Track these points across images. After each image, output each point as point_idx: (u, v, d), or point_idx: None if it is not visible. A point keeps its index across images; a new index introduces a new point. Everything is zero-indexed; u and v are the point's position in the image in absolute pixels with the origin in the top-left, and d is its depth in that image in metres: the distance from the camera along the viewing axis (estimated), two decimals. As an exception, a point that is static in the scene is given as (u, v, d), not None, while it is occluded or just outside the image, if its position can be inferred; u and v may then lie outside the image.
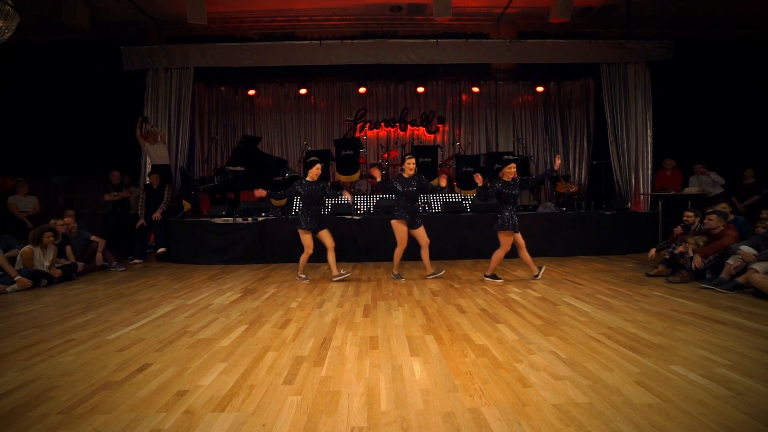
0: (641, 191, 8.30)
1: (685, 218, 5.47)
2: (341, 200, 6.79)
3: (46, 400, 2.13)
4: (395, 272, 5.26)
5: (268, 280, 5.37)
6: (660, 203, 7.65)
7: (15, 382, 2.35)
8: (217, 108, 10.26)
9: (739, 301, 3.90)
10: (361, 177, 8.69)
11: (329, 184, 5.32)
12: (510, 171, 4.85)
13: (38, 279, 5.11)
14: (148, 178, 7.42)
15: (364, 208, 7.47)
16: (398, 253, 5.13)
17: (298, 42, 8.41)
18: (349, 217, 6.81)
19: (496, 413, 1.93)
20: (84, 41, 8.59)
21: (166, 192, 7.22)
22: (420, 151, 8.42)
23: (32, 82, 8.65)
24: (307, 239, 5.02)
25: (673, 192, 7.56)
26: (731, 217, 5.15)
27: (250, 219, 6.82)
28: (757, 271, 4.02)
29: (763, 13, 8.52)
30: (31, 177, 7.49)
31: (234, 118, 10.32)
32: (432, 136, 10.27)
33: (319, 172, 5.08)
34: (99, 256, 6.30)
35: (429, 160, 8.29)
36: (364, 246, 6.76)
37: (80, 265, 5.86)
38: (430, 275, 5.23)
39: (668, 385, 2.17)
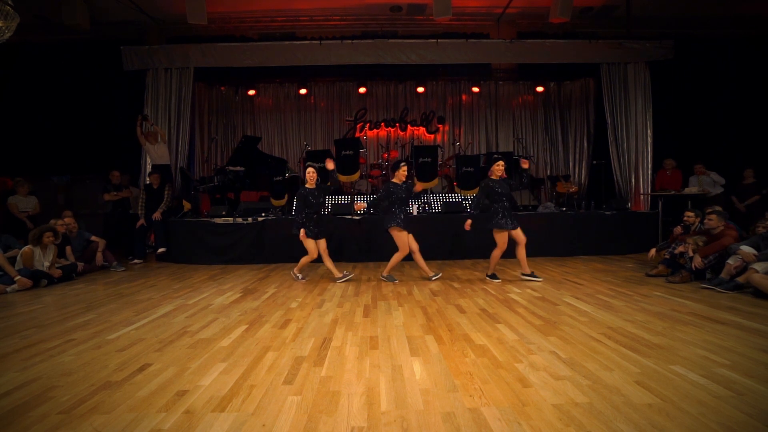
0: (641, 191, 8.30)
1: (685, 218, 5.47)
2: (353, 214, 6.81)
3: (46, 400, 2.13)
4: (385, 275, 5.19)
5: (268, 280, 5.37)
6: (660, 203, 7.65)
7: (15, 382, 2.35)
8: (217, 108, 10.26)
9: (739, 301, 3.90)
10: (361, 177, 8.69)
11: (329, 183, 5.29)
12: (498, 168, 4.91)
13: (38, 279, 5.11)
14: (148, 178, 7.42)
15: (363, 208, 7.46)
16: (398, 257, 5.08)
17: (298, 42, 8.41)
18: (349, 217, 6.81)
19: (496, 413, 1.93)
20: (84, 41, 8.60)
21: (166, 192, 7.23)
22: (420, 151, 8.41)
23: (32, 82, 8.64)
24: (310, 244, 5.08)
25: (673, 192, 7.56)
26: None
27: (250, 219, 6.82)
28: (757, 271, 4.02)
29: (763, 13, 8.52)
30: (31, 177, 7.49)
31: (234, 118, 10.32)
32: (432, 136, 10.27)
33: (314, 176, 5.08)
34: (99, 256, 6.30)
35: (429, 160, 8.28)
36: (364, 246, 6.76)
37: (80, 265, 5.86)
38: (433, 277, 5.18)
39: (668, 385, 2.17)
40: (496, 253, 4.95)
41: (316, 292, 4.58)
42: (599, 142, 9.28)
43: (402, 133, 10.30)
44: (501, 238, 4.89)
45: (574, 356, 2.59)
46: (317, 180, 5.18)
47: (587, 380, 2.24)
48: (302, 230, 5.01)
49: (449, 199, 7.73)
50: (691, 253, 4.81)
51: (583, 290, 4.45)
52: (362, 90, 9.85)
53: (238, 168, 8.23)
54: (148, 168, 7.80)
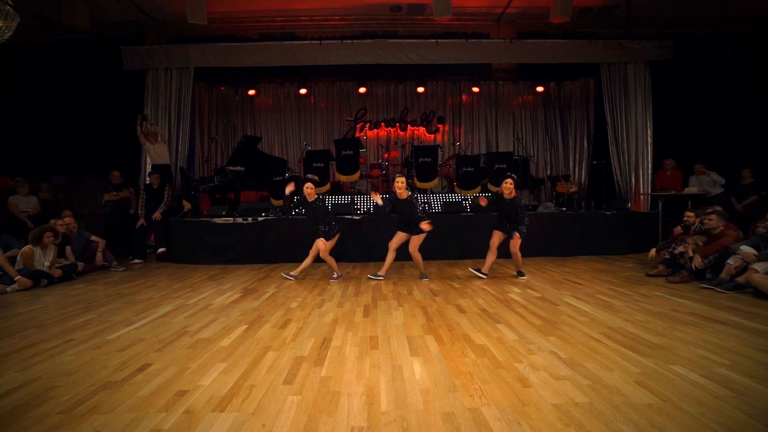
0: (641, 191, 8.30)
1: (685, 218, 5.48)
2: (353, 214, 6.88)
3: (46, 400, 2.13)
4: (382, 273, 5.32)
5: (268, 280, 5.37)
6: (660, 203, 7.65)
7: (15, 382, 2.35)
8: (217, 108, 10.27)
9: (739, 301, 3.90)
10: (361, 177, 8.69)
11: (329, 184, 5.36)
12: (506, 187, 5.04)
13: (38, 279, 5.11)
14: (148, 178, 7.42)
15: (364, 208, 7.47)
16: (390, 259, 5.28)
17: (298, 42, 8.41)
18: (349, 217, 6.81)
19: (496, 413, 1.93)
20: (84, 41, 8.59)
21: (166, 192, 7.23)
22: (420, 151, 8.41)
23: (32, 82, 8.64)
24: (327, 245, 5.21)
25: (673, 192, 7.56)
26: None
27: (250, 219, 6.82)
28: (757, 271, 4.02)
29: (763, 13, 8.52)
30: (31, 177, 7.49)
31: (234, 118, 10.32)
32: (432, 136, 10.28)
33: (311, 191, 5.19)
34: (99, 256, 6.30)
35: (429, 160, 8.28)
36: (364, 246, 6.76)
37: (80, 265, 5.86)
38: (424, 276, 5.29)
39: (668, 385, 2.17)
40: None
41: (316, 292, 4.58)
42: (599, 142, 9.28)
43: (402, 133, 10.30)
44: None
45: (574, 356, 2.59)
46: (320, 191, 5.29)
47: (587, 380, 2.24)
48: (332, 238, 5.19)
49: (449, 199, 7.73)
50: (691, 253, 4.81)
51: (583, 290, 4.45)
52: (362, 90, 9.85)
53: (238, 168, 8.23)
54: (148, 168, 7.80)
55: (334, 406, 2.02)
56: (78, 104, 8.67)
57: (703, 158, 7.85)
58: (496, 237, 5.23)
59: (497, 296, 4.25)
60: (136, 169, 8.15)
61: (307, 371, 2.44)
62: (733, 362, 2.45)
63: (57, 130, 8.70)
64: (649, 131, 8.33)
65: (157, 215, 7.01)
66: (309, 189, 5.17)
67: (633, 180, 8.36)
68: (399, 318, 3.53)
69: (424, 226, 4.94)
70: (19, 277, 4.90)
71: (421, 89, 9.88)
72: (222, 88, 10.17)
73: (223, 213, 7.00)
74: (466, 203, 7.38)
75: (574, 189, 8.67)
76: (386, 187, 9.10)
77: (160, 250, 7.07)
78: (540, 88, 10.03)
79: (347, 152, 8.27)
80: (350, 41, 8.32)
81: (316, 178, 5.42)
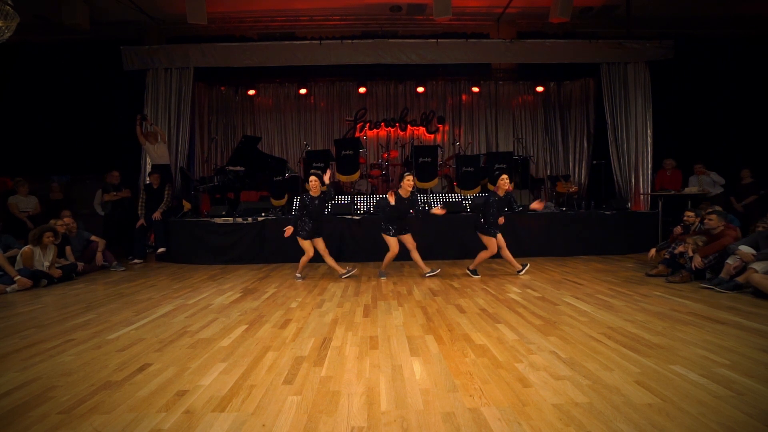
0: (641, 191, 8.30)
1: (685, 218, 5.48)
2: (354, 214, 6.92)
3: (46, 400, 2.13)
4: (382, 269, 5.49)
5: (268, 280, 5.37)
6: (660, 203, 7.65)
7: (15, 382, 2.35)
8: (217, 108, 10.26)
9: (738, 301, 3.90)
10: (361, 177, 8.69)
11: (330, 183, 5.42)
12: (503, 183, 5.20)
13: (38, 279, 5.11)
14: (148, 178, 7.42)
15: (364, 208, 7.47)
16: (390, 256, 5.36)
17: (298, 42, 8.41)
18: (349, 217, 6.81)
19: (496, 413, 1.93)
20: (84, 41, 8.59)
21: (166, 192, 7.23)
22: (420, 151, 8.41)
23: (32, 82, 8.64)
24: (305, 244, 5.27)
25: (673, 192, 7.56)
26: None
27: (250, 219, 6.82)
28: (756, 271, 4.02)
29: (763, 13, 8.52)
30: (31, 177, 7.49)
31: (234, 118, 10.32)
32: (432, 136, 10.27)
33: (317, 184, 5.23)
34: (99, 256, 6.30)
35: (429, 160, 8.28)
36: (364, 246, 6.75)
37: (80, 265, 5.86)
38: (428, 273, 5.39)
39: (668, 385, 2.17)
40: (484, 255, 5.34)
41: (316, 292, 4.58)
42: (599, 142, 9.28)
43: (402, 133, 10.29)
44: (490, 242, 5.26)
45: (574, 356, 2.59)
46: (323, 186, 5.32)
47: (587, 380, 2.24)
48: (288, 227, 5.18)
49: (449, 199, 7.73)
50: (690, 253, 4.81)
51: (583, 290, 4.45)
52: (362, 90, 9.85)
53: (238, 168, 8.22)
54: (148, 168, 7.80)
55: (334, 406, 2.02)
56: (78, 104, 8.67)
57: (703, 158, 7.85)
58: (501, 238, 5.33)
59: (497, 296, 4.25)
60: (136, 169, 8.15)
61: (307, 371, 2.44)
62: (733, 362, 2.45)
63: (57, 130, 8.70)
64: (649, 131, 8.33)
65: (157, 215, 7.01)
66: (314, 182, 5.22)
67: (633, 180, 8.36)
68: (399, 318, 3.53)
69: (437, 210, 5.18)
70: (19, 277, 4.90)
71: (421, 89, 9.88)
72: (222, 88, 10.17)
73: (223, 213, 7.00)
74: (466, 203, 7.37)
75: (574, 189, 8.67)
76: (386, 187, 9.10)
77: (160, 250, 7.07)
78: (540, 88, 10.03)
79: (347, 152, 8.27)
80: (350, 41, 8.32)
81: (319, 172, 5.49)
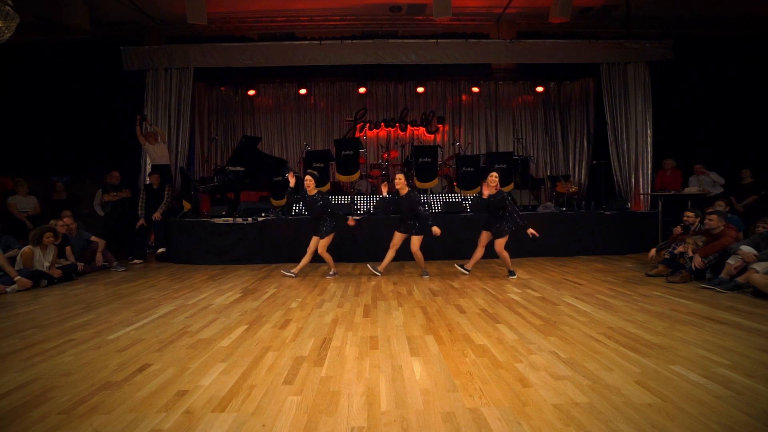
0: (641, 191, 8.30)
1: (685, 218, 5.47)
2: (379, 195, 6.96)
3: (46, 400, 2.13)
4: (380, 269, 5.61)
5: (268, 280, 5.37)
6: (660, 203, 7.65)
7: (15, 382, 2.35)
8: (217, 108, 10.26)
9: (739, 301, 3.90)
10: (361, 177, 8.69)
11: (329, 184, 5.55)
12: (491, 180, 5.18)
13: (38, 279, 5.11)
14: (148, 179, 7.42)
15: (364, 208, 7.47)
16: (390, 255, 5.52)
17: (298, 42, 8.41)
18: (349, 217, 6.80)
19: (496, 413, 1.93)
20: (84, 41, 8.59)
21: (166, 192, 7.23)
22: (420, 151, 8.41)
23: (32, 82, 8.63)
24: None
25: (673, 192, 7.56)
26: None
27: (250, 219, 6.82)
28: (757, 271, 4.02)
29: (763, 13, 8.51)
30: (31, 177, 7.49)
31: (234, 118, 10.32)
32: (432, 136, 10.27)
33: (310, 184, 5.38)
34: (99, 256, 6.30)
35: (429, 160, 8.28)
36: (364, 246, 6.75)
37: (80, 265, 5.86)
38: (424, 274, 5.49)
39: (668, 385, 2.17)
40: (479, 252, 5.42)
41: (316, 292, 4.58)
42: (599, 142, 9.28)
43: (402, 133, 10.29)
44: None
45: (574, 356, 2.59)
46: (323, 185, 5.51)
47: (587, 380, 2.24)
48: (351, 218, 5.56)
49: (449, 199, 7.73)
50: (691, 253, 4.81)
51: (583, 290, 4.45)
52: (362, 90, 9.84)
53: (238, 168, 8.23)
54: (148, 168, 7.80)
55: (334, 406, 2.02)
56: (78, 104, 8.66)
57: (702, 158, 7.85)
58: (485, 236, 5.40)
59: (497, 296, 4.25)
60: (136, 169, 8.15)
61: (307, 371, 2.44)
62: (733, 362, 2.45)
63: (57, 130, 8.69)
64: (649, 131, 8.33)
65: (157, 215, 7.01)
66: (309, 182, 5.35)
67: (633, 180, 8.36)
68: (399, 318, 3.53)
69: (435, 230, 5.14)
70: (19, 277, 4.90)
71: (420, 89, 9.88)
72: (222, 89, 10.17)
73: (223, 213, 7.00)
74: (466, 203, 7.37)
75: (574, 189, 8.67)
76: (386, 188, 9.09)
77: (160, 250, 7.07)
78: (540, 88, 10.03)
79: (347, 152, 8.27)
80: (350, 41, 8.32)
81: (316, 173, 5.59)
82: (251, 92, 10.01)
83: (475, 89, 9.89)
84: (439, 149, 8.93)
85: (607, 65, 8.47)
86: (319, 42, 8.28)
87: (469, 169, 8.27)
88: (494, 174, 5.16)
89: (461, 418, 1.89)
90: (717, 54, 8.87)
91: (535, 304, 3.88)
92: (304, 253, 5.42)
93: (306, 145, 9.34)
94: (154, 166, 7.59)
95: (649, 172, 8.30)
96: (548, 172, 10.25)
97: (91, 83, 8.61)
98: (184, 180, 8.22)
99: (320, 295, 4.47)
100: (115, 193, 7.35)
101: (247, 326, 3.35)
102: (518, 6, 8.54)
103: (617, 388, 2.15)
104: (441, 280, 5.19)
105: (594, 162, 9.18)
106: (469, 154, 9.66)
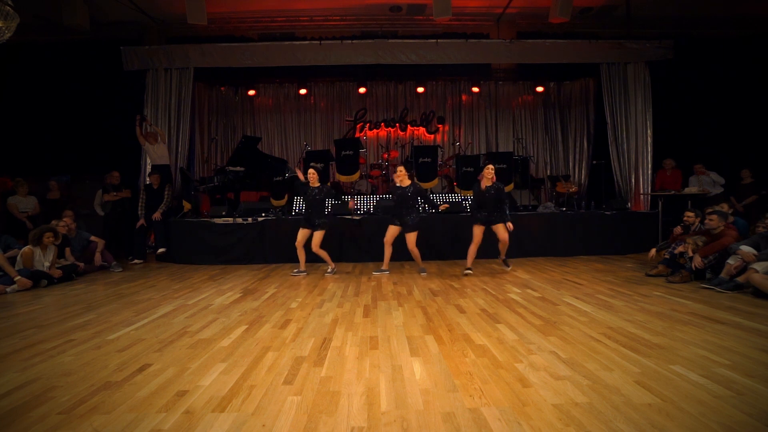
0: (641, 191, 8.30)
1: (685, 218, 5.47)
2: (353, 214, 7.02)
3: (46, 400, 2.13)
4: (384, 267, 5.67)
5: (268, 280, 5.37)
6: (660, 203, 7.65)
7: (15, 382, 2.35)
8: (217, 108, 10.26)
9: (739, 301, 3.90)
10: (361, 177, 8.69)
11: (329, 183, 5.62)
12: (488, 172, 5.29)
13: (38, 279, 5.11)
14: (148, 179, 7.42)
15: (364, 208, 7.47)
16: (388, 253, 5.63)
17: (298, 42, 8.41)
18: (349, 217, 6.81)
19: (496, 413, 1.93)
20: (84, 41, 8.58)
21: (166, 192, 7.23)
22: (420, 151, 8.41)
23: (32, 82, 8.63)
24: (300, 233, 5.61)
25: (673, 192, 7.56)
26: (731, 219, 5.15)
27: (250, 219, 6.82)
28: (756, 271, 4.02)
29: (763, 13, 8.51)
30: (31, 177, 7.49)
31: (234, 118, 10.32)
32: (432, 136, 10.27)
33: (315, 176, 5.53)
34: (98, 256, 6.30)
35: (429, 160, 8.28)
36: (364, 246, 6.76)
37: (80, 265, 5.86)
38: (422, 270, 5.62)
39: (668, 385, 2.17)
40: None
41: (316, 292, 4.58)
42: (599, 142, 9.27)
43: (402, 133, 10.29)
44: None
45: (574, 356, 2.59)
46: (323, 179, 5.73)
47: (587, 380, 2.24)
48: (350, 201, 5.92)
49: (449, 199, 7.73)
50: (691, 253, 4.81)
51: (583, 290, 4.45)
52: (362, 90, 9.84)
53: (238, 168, 8.23)
54: (148, 168, 7.80)
55: (334, 406, 2.02)
56: (78, 104, 8.66)
57: (702, 158, 7.84)
58: (479, 231, 5.45)
59: (497, 296, 4.25)
60: (136, 169, 8.15)
61: (307, 371, 2.44)
62: (733, 362, 2.45)
63: (57, 130, 8.69)
64: (649, 131, 8.33)
65: (157, 215, 7.01)
66: (312, 175, 5.51)
67: (633, 180, 8.36)
68: (399, 318, 3.53)
69: (444, 206, 5.36)
70: (19, 277, 4.90)
71: (420, 89, 9.87)
72: (222, 89, 10.17)
73: (223, 213, 7.00)
74: (466, 203, 7.37)
75: (574, 189, 8.67)
76: (386, 188, 9.11)
77: (160, 250, 7.07)
78: (540, 88, 10.02)
79: (347, 152, 8.27)
80: (350, 41, 8.32)
81: (319, 166, 5.72)
82: (251, 92, 10.00)
83: (475, 89, 9.88)
84: (439, 149, 8.94)
85: (607, 65, 8.47)
86: (319, 42, 8.28)
87: (469, 169, 8.27)
88: (490, 166, 5.31)
89: (461, 418, 1.89)
90: (717, 54, 8.87)
91: (535, 304, 3.88)
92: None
93: (306, 145, 9.34)
94: (154, 166, 7.59)
95: (649, 172, 8.30)
96: (548, 172, 10.25)
97: (91, 83, 8.62)
98: (184, 180, 8.22)
99: (320, 295, 4.47)
100: (115, 193, 7.35)
101: (247, 326, 3.35)
102: (518, 6, 8.54)
103: (617, 388, 2.15)
104: (441, 280, 5.19)
105: (594, 162, 9.17)
106: (469, 154, 9.66)
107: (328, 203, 7.29)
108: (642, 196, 8.29)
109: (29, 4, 7.03)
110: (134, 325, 3.42)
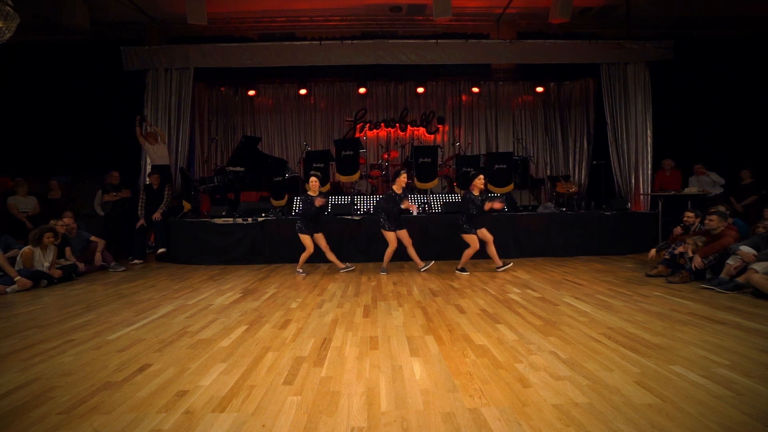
0: (641, 191, 8.31)
1: (685, 218, 5.47)
2: (354, 214, 7.03)
3: (46, 400, 2.13)
4: (384, 266, 5.75)
5: (268, 280, 5.37)
6: (660, 203, 7.65)
7: (15, 382, 2.35)
8: (217, 108, 10.27)
9: (738, 301, 3.90)
10: (361, 177, 8.69)
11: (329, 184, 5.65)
12: (479, 182, 5.43)
13: (38, 279, 5.11)
14: (148, 179, 7.42)
15: (364, 208, 7.46)
16: (389, 252, 5.70)
17: (298, 42, 8.41)
18: (349, 217, 6.81)
19: (496, 413, 1.93)
20: (84, 41, 8.59)
21: (166, 192, 7.23)
22: (420, 151, 8.41)
23: (32, 82, 8.64)
24: (305, 240, 5.60)
25: (673, 192, 7.56)
26: (730, 220, 5.15)
27: (250, 219, 6.82)
28: (756, 271, 4.02)
29: (763, 13, 8.51)
30: (31, 177, 7.49)
31: (234, 118, 10.33)
32: (432, 136, 10.28)
33: (316, 185, 5.59)
34: (98, 255, 6.30)
35: (429, 160, 8.28)
36: (364, 246, 6.76)
37: (81, 265, 5.86)
38: (423, 268, 5.75)
39: (668, 385, 2.17)
40: (468, 253, 5.55)
41: (316, 293, 4.58)
42: (599, 142, 9.28)
43: (402, 133, 10.30)
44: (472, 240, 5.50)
45: (574, 356, 2.59)
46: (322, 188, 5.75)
47: (587, 380, 2.24)
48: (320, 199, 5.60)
49: (449, 199, 7.72)
50: (690, 254, 4.81)
51: (583, 290, 4.45)
52: (362, 90, 9.85)
53: (238, 168, 8.23)
54: (148, 168, 7.80)
55: (334, 407, 2.02)
56: (78, 104, 8.67)
57: (702, 158, 7.85)
58: (487, 233, 5.61)
59: (497, 296, 4.25)
60: (136, 169, 8.15)
61: (307, 371, 2.44)
62: (733, 362, 2.45)
63: (57, 130, 8.70)
64: (648, 131, 8.33)
65: (157, 215, 7.01)
66: (314, 183, 5.57)
67: (633, 180, 8.36)
68: (399, 318, 3.53)
69: (406, 204, 5.44)
70: (19, 277, 4.90)
71: (420, 90, 9.88)
72: (222, 89, 10.17)
73: (223, 213, 7.00)
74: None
75: (574, 189, 8.67)
76: (386, 188, 9.10)
77: (160, 250, 7.07)
78: (540, 89, 10.03)
79: (347, 152, 8.27)
80: (350, 42, 8.32)
81: (319, 174, 5.77)
82: (251, 92, 10.02)
83: (475, 89, 9.89)
84: (439, 149, 8.94)
85: (607, 65, 8.47)
86: (319, 42, 8.29)
87: (469, 169, 8.27)
88: (481, 176, 5.47)
89: (461, 418, 1.89)
90: (717, 54, 8.87)
91: (535, 305, 3.88)
92: (305, 250, 5.62)
93: (306, 145, 9.34)
94: (154, 167, 7.59)
95: (649, 172, 8.30)
96: (548, 172, 10.26)
97: (91, 83, 8.62)
98: (184, 180, 8.22)
99: (320, 295, 4.47)
100: (115, 193, 7.35)
101: (247, 326, 3.35)
102: (518, 6, 8.54)
103: (617, 388, 2.15)
104: (441, 280, 5.19)
105: (594, 162, 9.18)
106: (469, 154, 9.66)
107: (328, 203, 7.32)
108: (642, 197, 8.29)
109: (29, 4, 7.04)
110: (134, 325, 3.42)
